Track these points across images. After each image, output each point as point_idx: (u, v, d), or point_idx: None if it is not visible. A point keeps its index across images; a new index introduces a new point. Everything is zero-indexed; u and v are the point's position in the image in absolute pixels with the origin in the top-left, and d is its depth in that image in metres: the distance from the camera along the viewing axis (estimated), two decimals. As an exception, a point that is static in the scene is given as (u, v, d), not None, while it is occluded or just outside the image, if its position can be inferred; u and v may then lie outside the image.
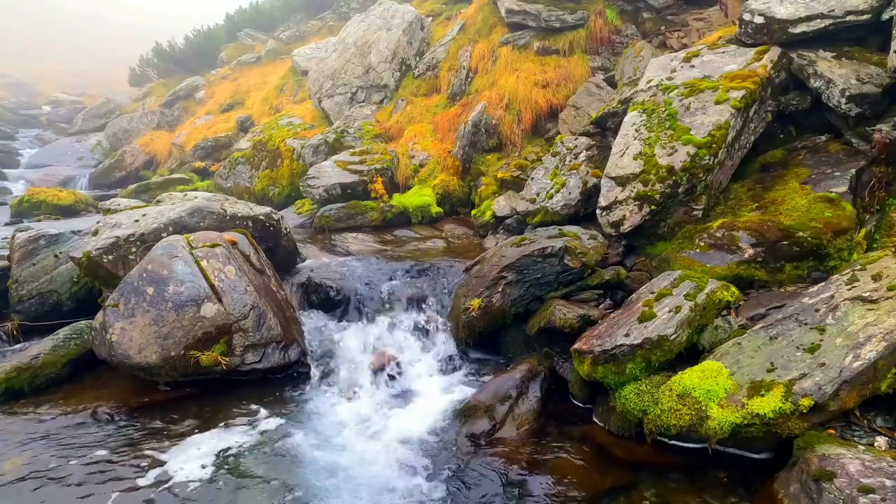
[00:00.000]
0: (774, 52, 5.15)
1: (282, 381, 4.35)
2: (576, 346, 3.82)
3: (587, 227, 5.24)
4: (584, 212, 5.64)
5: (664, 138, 4.88)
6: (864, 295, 3.34)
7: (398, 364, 4.59)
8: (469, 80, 9.22)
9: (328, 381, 4.45)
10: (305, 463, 3.45)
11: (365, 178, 8.04)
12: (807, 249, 4.03)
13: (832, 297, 3.44)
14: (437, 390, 4.34)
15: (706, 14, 7.68)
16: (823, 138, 5.03)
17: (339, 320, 5.12)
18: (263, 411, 3.98)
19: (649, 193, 4.75)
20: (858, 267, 3.60)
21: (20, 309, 5.17)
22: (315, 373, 4.50)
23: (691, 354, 3.66)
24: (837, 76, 4.76)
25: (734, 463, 3.16)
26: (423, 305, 5.15)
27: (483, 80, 8.91)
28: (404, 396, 4.31)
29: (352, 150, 8.78)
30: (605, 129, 6.31)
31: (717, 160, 4.68)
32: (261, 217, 5.50)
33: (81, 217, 9.94)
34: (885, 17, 4.73)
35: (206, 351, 4.06)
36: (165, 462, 3.41)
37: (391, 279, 5.45)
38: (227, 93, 15.76)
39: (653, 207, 4.76)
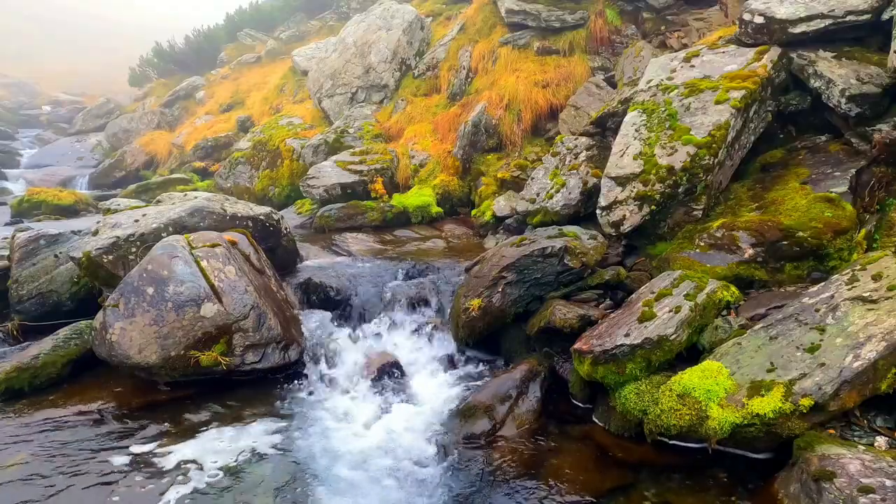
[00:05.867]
0: (774, 52, 5.15)
1: (282, 380, 4.36)
2: (576, 346, 3.82)
3: (587, 227, 5.24)
4: (584, 212, 5.64)
5: (664, 138, 4.88)
6: (864, 295, 3.34)
7: (398, 364, 4.59)
8: (469, 80, 9.22)
9: (328, 381, 4.45)
10: (305, 463, 3.45)
11: (365, 178, 8.05)
12: (807, 249, 4.03)
13: (832, 297, 3.44)
14: (436, 390, 4.34)
15: (706, 14, 7.68)
16: (823, 138, 5.03)
17: (339, 320, 5.12)
18: (263, 411, 3.98)
19: (649, 193, 4.74)
20: (858, 267, 3.60)
21: (20, 309, 5.17)
22: (315, 373, 4.50)
23: (691, 354, 3.66)
24: (837, 76, 4.76)
25: (734, 463, 3.16)
26: (423, 305, 5.16)
27: (483, 80, 8.91)
28: (404, 396, 4.30)
29: (352, 150, 8.78)
30: (605, 129, 6.31)
31: (717, 160, 4.68)
32: (261, 217, 5.50)
33: (81, 217, 9.94)
34: (885, 17, 4.73)
35: (206, 351, 4.06)
36: (165, 462, 3.40)
37: (391, 279, 5.45)
38: (227, 93, 15.77)
39: (653, 207, 4.76)
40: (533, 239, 4.85)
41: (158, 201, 5.85)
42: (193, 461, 3.41)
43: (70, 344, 4.48)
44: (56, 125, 21.23)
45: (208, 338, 4.11)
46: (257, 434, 3.71)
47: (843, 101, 4.70)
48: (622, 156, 5.02)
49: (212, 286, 4.27)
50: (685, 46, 7.00)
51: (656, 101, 5.23)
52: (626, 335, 3.62)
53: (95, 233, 4.97)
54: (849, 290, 3.43)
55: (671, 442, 3.31)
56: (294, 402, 4.15)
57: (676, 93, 5.17)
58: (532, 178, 6.25)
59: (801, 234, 4.06)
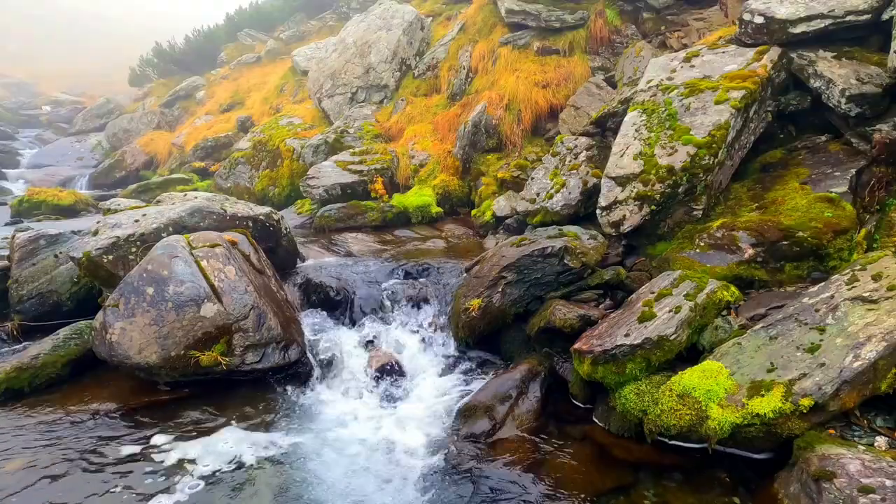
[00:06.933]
0: (774, 52, 5.15)
1: (282, 380, 4.35)
2: (576, 346, 3.82)
3: (587, 227, 5.24)
4: (584, 212, 5.64)
5: (664, 138, 4.88)
6: (864, 295, 3.34)
7: (398, 364, 4.59)
8: (469, 80, 9.22)
9: (328, 381, 4.45)
10: (305, 463, 3.45)
11: (365, 178, 8.05)
12: (807, 249, 4.03)
13: (832, 297, 3.44)
14: (436, 390, 4.34)
15: (706, 14, 7.68)
16: (823, 138, 5.03)
17: (339, 320, 5.12)
18: (263, 411, 3.98)
19: (649, 193, 4.74)
20: (858, 267, 3.60)
21: (20, 309, 5.17)
22: (315, 373, 4.50)
23: (691, 354, 3.66)
24: (837, 76, 4.76)
25: (734, 463, 3.16)
26: (423, 305, 5.15)
27: (483, 80, 8.91)
28: (404, 396, 4.30)
29: (352, 150, 8.78)
30: (605, 129, 6.31)
31: (717, 160, 4.68)
32: (261, 217, 5.50)
33: (81, 217, 9.96)
34: (885, 17, 4.73)
35: (206, 351, 4.06)
36: (166, 462, 3.41)
37: (391, 279, 5.45)
38: (227, 93, 15.77)
39: (653, 207, 4.76)
40: (533, 239, 4.86)
41: (158, 201, 5.85)
42: (194, 461, 3.41)
43: (70, 344, 4.48)
44: (56, 125, 21.25)
45: (208, 338, 4.11)
46: (257, 434, 3.71)
47: (843, 101, 4.70)
48: (622, 156, 5.02)
49: (212, 286, 4.27)
50: (685, 46, 7.00)
51: (656, 101, 5.23)
52: (626, 335, 3.62)
53: (95, 233, 4.97)
54: (849, 290, 3.43)
55: (671, 442, 3.31)
56: (294, 402, 4.15)
57: (676, 93, 5.17)
58: (532, 179, 6.25)
59: (801, 234, 4.06)
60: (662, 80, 5.45)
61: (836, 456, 2.72)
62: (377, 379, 4.46)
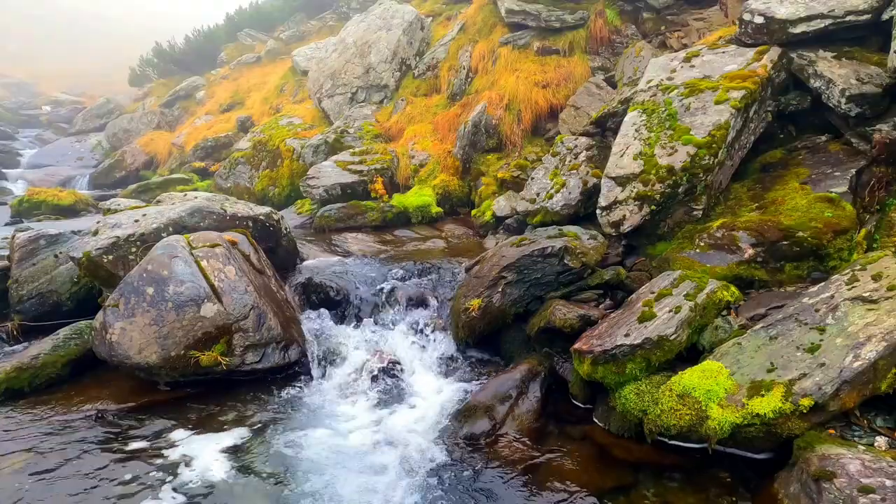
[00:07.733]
0: (774, 52, 5.15)
1: (282, 380, 4.36)
2: (576, 346, 3.82)
3: (587, 227, 5.24)
4: (584, 212, 5.64)
5: (664, 138, 4.88)
6: (864, 295, 3.34)
7: (398, 364, 4.59)
8: (469, 80, 9.22)
9: (328, 381, 4.45)
10: (305, 463, 3.45)
11: (365, 178, 8.05)
12: (807, 249, 4.03)
13: (832, 297, 3.44)
14: (436, 390, 4.34)
15: (706, 14, 7.68)
16: (823, 138, 5.03)
17: (339, 320, 5.12)
18: (263, 411, 3.98)
19: (649, 193, 4.74)
20: (858, 267, 3.60)
21: (20, 309, 5.17)
22: (315, 373, 4.50)
23: (691, 354, 3.66)
24: (837, 76, 4.76)
25: (734, 463, 3.16)
26: (423, 305, 5.15)
27: (483, 80, 8.91)
28: (404, 396, 4.30)
29: (352, 150, 8.78)
30: (605, 129, 6.31)
31: (717, 160, 4.68)
32: (261, 217, 5.50)
33: (81, 217, 9.96)
34: (885, 17, 4.73)
35: (206, 351, 4.06)
36: (166, 462, 3.41)
37: (391, 279, 5.45)
38: (227, 93, 15.77)
39: (653, 207, 4.76)
40: (533, 239, 4.86)
41: (158, 201, 5.85)
42: (193, 461, 3.41)
43: (70, 344, 4.48)
44: (56, 125, 21.24)
45: (208, 338, 4.11)
46: (257, 434, 3.71)
47: (843, 101, 4.70)
48: (622, 156, 5.02)
49: (212, 286, 4.27)
50: (685, 46, 7.00)
51: (656, 101, 5.23)
52: (626, 335, 3.62)
53: (95, 233, 4.97)
54: (849, 290, 3.43)
55: (671, 442, 3.31)
56: (294, 402, 4.15)
57: (676, 93, 5.17)
58: (532, 179, 6.25)
59: (801, 234, 4.06)
60: (662, 80, 5.45)
61: (836, 456, 2.72)
62: (377, 379, 4.46)
